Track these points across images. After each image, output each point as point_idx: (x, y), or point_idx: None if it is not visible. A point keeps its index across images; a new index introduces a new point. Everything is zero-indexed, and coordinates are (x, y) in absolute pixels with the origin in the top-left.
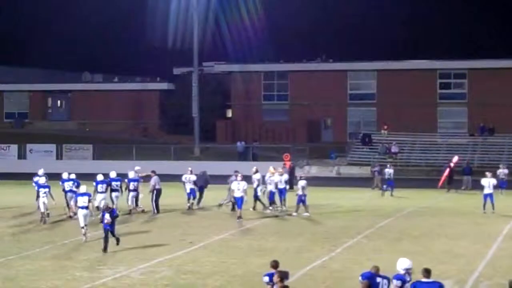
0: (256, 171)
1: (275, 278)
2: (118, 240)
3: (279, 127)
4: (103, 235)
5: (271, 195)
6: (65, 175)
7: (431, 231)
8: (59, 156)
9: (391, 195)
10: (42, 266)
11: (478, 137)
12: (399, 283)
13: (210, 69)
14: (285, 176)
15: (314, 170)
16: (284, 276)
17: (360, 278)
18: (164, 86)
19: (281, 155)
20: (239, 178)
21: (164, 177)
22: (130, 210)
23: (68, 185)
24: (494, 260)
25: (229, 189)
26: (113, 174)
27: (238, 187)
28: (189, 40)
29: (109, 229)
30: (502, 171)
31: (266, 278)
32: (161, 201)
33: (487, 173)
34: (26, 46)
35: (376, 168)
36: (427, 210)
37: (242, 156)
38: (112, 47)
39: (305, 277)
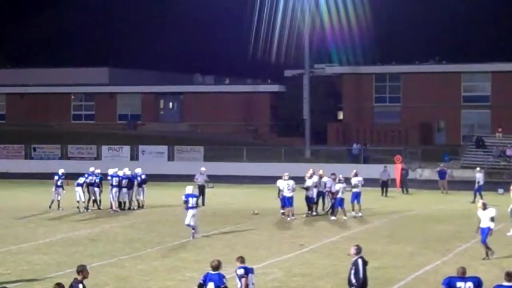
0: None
1: None
2: None
3: (390, 129)
4: None
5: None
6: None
7: None
8: (170, 158)
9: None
10: (153, 267)
11: None
12: None
13: (321, 71)
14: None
15: (427, 173)
16: None
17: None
18: (275, 88)
19: (392, 157)
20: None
21: (274, 180)
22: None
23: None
24: (501, 260)
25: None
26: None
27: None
28: (300, 42)
29: None
30: None
31: (242, 271)
32: (269, 203)
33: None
34: (140, 49)
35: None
36: None
37: (356, 158)
38: (223, 49)
39: (417, 281)
